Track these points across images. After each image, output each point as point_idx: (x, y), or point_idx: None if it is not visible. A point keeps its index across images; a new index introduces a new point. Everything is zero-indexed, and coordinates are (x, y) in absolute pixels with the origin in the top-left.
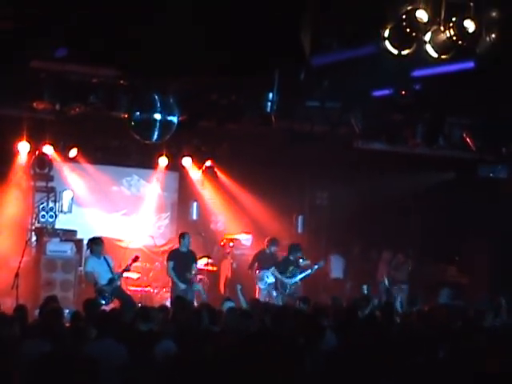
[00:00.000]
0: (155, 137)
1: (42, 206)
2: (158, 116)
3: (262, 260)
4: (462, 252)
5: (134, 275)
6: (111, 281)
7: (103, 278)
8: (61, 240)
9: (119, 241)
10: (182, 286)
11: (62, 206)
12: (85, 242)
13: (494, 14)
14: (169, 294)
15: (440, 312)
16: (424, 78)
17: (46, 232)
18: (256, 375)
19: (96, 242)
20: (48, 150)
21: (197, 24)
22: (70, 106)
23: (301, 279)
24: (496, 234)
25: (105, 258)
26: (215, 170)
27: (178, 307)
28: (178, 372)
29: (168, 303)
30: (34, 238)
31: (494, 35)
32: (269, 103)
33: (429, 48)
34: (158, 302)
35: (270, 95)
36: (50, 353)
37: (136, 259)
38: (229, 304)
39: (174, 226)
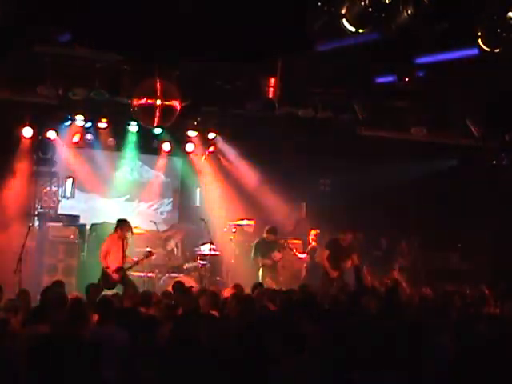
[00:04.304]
0: (158, 122)
1: (44, 191)
2: (160, 101)
3: (262, 248)
4: (464, 239)
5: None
6: (118, 270)
7: (113, 263)
8: (64, 225)
9: None
10: None
11: (64, 191)
12: (87, 227)
13: None
14: (171, 280)
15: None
16: (427, 65)
17: (48, 217)
18: (256, 362)
19: (123, 225)
20: (51, 134)
21: (199, 10)
22: (73, 91)
23: None
24: (498, 220)
25: (123, 243)
26: (218, 155)
27: (177, 292)
28: (175, 356)
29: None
30: (36, 223)
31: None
32: (272, 89)
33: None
34: (161, 288)
35: (273, 80)
36: (53, 337)
37: (148, 255)
38: None
39: (177, 211)
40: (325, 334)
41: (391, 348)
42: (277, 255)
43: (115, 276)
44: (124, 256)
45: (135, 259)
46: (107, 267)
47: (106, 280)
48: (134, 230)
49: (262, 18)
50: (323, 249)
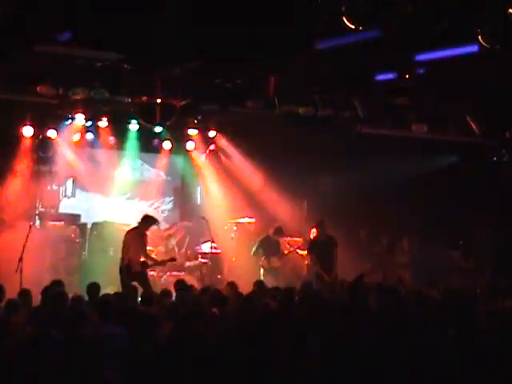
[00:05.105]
0: (158, 120)
1: (45, 191)
2: (160, 100)
3: (266, 246)
4: (465, 236)
5: None
6: (142, 263)
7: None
8: (65, 224)
9: (124, 225)
10: None
11: (65, 190)
12: (88, 226)
13: None
14: (172, 278)
15: None
16: (427, 62)
17: (49, 216)
18: (256, 359)
19: (148, 220)
20: (51, 134)
21: (199, 9)
22: (73, 90)
23: None
24: (498, 218)
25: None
26: (219, 153)
27: (179, 291)
28: (176, 355)
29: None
30: (37, 223)
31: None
32: (272, 87)
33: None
34: (162, 286)
35: (273, 79)
36: (53, 336)
37: (172, 260)
38: None
39: (178, 210)
40: (325, 332)
41: (392, 347)
42: (276, 262)
43: (137, 268)
44: (145, 251)
45: (158, 259)
46: (130, 259)
47: (128, 272)
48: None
49: (261, 17)
50: (310, 254)
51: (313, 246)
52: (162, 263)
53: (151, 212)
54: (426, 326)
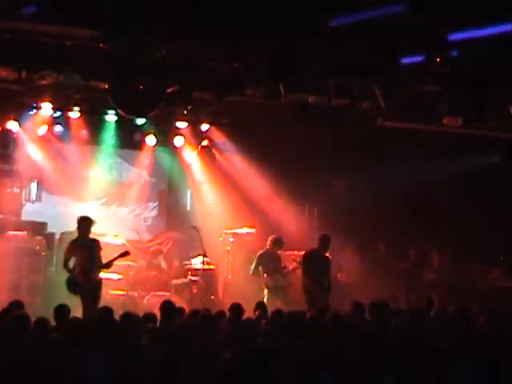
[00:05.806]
0: (141, 111)
1: (5, 194)
2: (143, 86)
3: (266, 263)
4: (507, 250)
5: (114, 276)
6: (83, 272)
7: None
8: (28, 234)
9: (99, 235)
10: None
11: (29, 193)
12: (57, 236)
13: None
14: (157, 299)
15: None
16: (463, 43)
17: (10, 225)
18: None
19: (84, 221)
20: (12, 126)
21: None
22: (39, 74)
23: None
24: None
25: (91, 243)
26: (213, 151)
27: (166, 314)
28: None
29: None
30: None
31: None
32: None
33: None
34: (144, 309)
35: (279, 61)
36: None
37: (125, 254)
38: None
39: (164, 218)
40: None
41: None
42: (280, 280)
43: (80, 278)
44: (89, 258)
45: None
46: (71, 271)
47: (71, 284)
48: (113, 240)
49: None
50: (303, 267)
51: (306, 258)
52: (108, 265)
53: (131, 220)
54: (459, 359)
